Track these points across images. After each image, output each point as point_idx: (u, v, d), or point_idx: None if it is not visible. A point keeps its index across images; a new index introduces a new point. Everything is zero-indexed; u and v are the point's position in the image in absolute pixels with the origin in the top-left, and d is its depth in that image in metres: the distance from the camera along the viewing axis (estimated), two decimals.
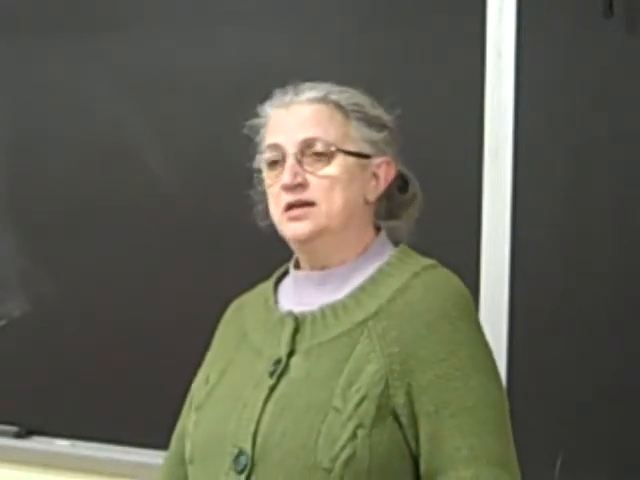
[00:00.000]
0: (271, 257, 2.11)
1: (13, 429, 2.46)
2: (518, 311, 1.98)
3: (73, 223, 2.41)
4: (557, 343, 1.96)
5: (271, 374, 1.36)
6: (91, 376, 2.38)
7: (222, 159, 2.26)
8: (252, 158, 1.51)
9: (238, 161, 2.24)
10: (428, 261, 1.42)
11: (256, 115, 1.50)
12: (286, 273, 1.53)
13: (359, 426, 1.28)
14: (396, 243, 1.48)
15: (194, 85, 2.28)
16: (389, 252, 1.44)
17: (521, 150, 1.98)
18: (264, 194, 1.48)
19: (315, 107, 1.41)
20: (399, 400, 1.29)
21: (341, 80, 1.92)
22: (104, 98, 2.36)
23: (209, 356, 1.56)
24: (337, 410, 1.29)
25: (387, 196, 1.48)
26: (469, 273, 1.98)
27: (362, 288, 1.39)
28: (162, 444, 2.32)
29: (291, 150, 1.39)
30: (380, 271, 1.40)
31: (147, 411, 2.33)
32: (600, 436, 1.93)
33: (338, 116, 1.41)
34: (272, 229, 1.48)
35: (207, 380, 1.47)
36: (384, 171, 1.44)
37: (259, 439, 1.32)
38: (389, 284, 1.38)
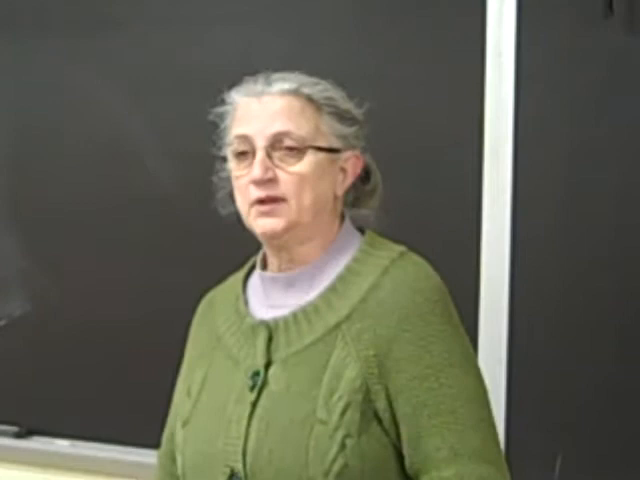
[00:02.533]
0: None
1: (13, 429, 2.46)
2: (518, 311, 1.98)
3: (73, 223, 2.40)
4: (557, 343, 1.96)
5: (251, 388, 1.34)
6: (91, 376, 2.38)
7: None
8: (215, 144, 1.49)
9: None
10: (396, 250, 1.39)
11: (222, 102, 1.46)
12: (254, 267, 1.49)
13: (347, 436, 1.27)
14: (361, 229, 1.45)
15: (194, 85, 2.27)
16: (355, 244, 1.41)
17: (521, 150, 1.98)
18: (227, 181, 1.45)
19: (287, 100, 1.37)
20: (380, 404, 1.28)
21: (341, 80, 1.92)
22: (104, 98, 2.36)
23: (186, 361, 1.53)
24: (322, 422, 1.27)
25: (351, 187, 1.45)
26: (469, 273, 1.99)
27: (332, 288, 1.36)
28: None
29: (261, 143, 1.35)
30: (348, 269, 1.37)
31: (147, 411, 2.32)
32: (600, 436, 1.93)
33: (310, 109, 1.37)
34: (235, 217, 1.46)
35: (189, 392, 1.45)
36: (352, 165, 1.42)
37: (249, 458, 1.30)
38: (359, 283, 1.34)
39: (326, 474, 1.26)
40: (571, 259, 1.96)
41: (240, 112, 1.41)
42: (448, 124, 2.03)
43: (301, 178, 1.35)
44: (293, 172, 1.35)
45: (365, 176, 1.47)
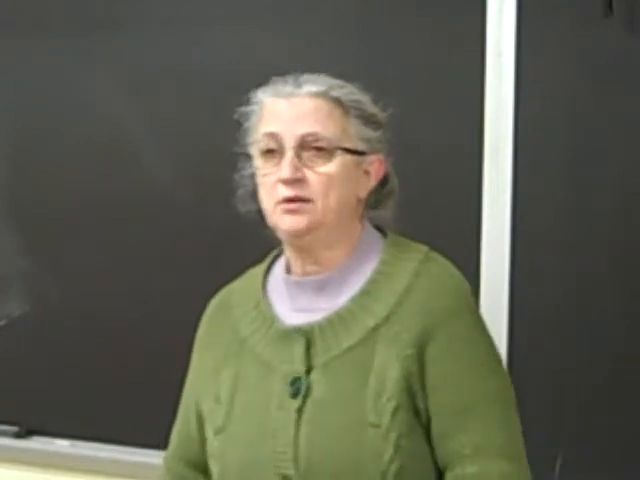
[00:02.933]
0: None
1: (13, 429, 2.46)
2: (518, 311, 1.98)
3: (73, 223, 2.41)
4: (557, 343, 1.96)
5: (294, 395, 1.35)
6: (91, 376, 2.38)
7: (222, 159, 2.26)
8: (239, 143, 1.50)
9: (237, 160, 2.25)
10: (421, 251, 1.42)
11: (248, 101, 1.47)
12: (272, 264, 1.50)
13: (400, 436, 1.30)
14: (380, 229, 1.47)
15: (194, 85, 2.27)
16: (379, 245, 1.43)
17: (521, 150, 1.98)
18: (249, 179, 1.47)
19: (316, 102, 1.38)
20: (420, 401, 1.32)
21: (341, 79, 1.92)
22: (104, 98, 2.36)
23: (203, 366, 1.51)
24: (374, 425, 1.30)
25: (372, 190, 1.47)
26: (469, 273, 1.97)
27: (365, 292, 1.38)
28: (162, 444, 2.32)
29: (291, 143, 1.37)
30: (379, 272, 1.40)
31: (147, 411, 2.32)
32: (600, 436, 1.93)
33: (337, 112, 1.39)
34: (255, 216, 1.48)
35: (218, 399, 1.44)
36: (375, 168, 1.43)
37: (302, 464, 1.32)
38: (391, 286, 1.37)
39: (384, 474, 1.29)
40: (571, 259, 1.96)
41: (268, 111, 1.42)
42: (448, 124, 2.03)
43: (329, 179, 1.37)
44: (321, 173, 1.37)
45: (383, 179, 1.48)
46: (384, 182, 1.48)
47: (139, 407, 2.34)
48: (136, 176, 2.33)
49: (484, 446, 1.29)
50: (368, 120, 1.42)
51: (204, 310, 2.28)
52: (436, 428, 1.32)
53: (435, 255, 1.43)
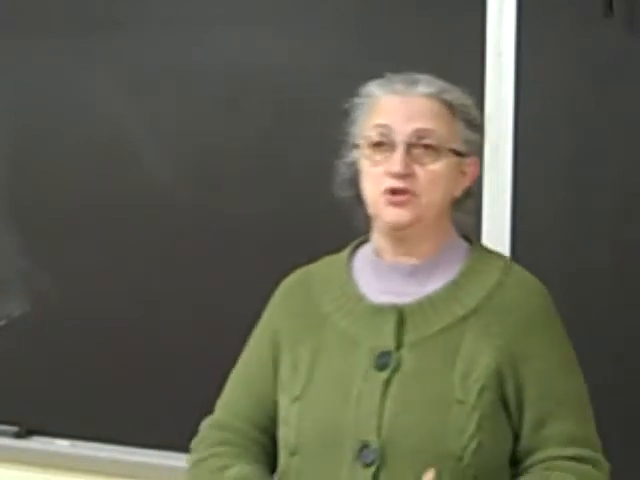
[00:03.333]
0: (271, 256, 2.12)
1: (13, 429, 2.46)
2: None
3: (73, 223, 2.40)
4: None
5: (381, 367, 1.42)
6: (91, 376, 2.38)
7: (222, 159, 2.26)
8: (345, 131, 1.55)
9: (238, 160, 2.26)
10: (505, 257, 1.55)
11: (358, 93, 1.53)
12: (354, 252, 1.57)
13: (483, 416, 1.38)
14: (463, 236, 1.55)
15: (194, 85, 2.27)
16: (464, 245, 1.53)
17: (521, 150, 1.98)
18: (349, 166, 1.52)
19: (429, 101, 1.46)
20: (510, 390, 1.40)
21: (341, 80, 1.92)
22: (104, 98, 2.36)
23: (277, 337, 1.54)
24: (460, 402, 1.38)
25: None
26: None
27: (456, 282, 1.47)
28: (162, 444, 2.33)
29: (402, 137, 1.43)
30: (469, 267, 1.49)
31: (147, 411, 2.33)
32: (600, 436, 1.93)
33: (447, 114, 1.47)
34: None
35: (296, 369, 1.49)
36: (472, 170, 1.52)
37: (384, 432, 1.38)
38: (482, 281, 1.46)
39: (464, 449, 1.36)
40: (571, 259, 1.96)
41: (381, 105, 1.48)
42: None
43: (436, 176, 1.44)
44: (430, 170, 1.44)
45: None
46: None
47: (139, 407, 2.34)
48: (136, 176, 2.33)
49: (578, 436, 1.40)
50: (471, 123, 1.50)
51: (205, 309, 2.29)
52: (532, 415, 1.40)
53: (515, 263, 1.53)
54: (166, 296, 2.31)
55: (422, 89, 1.46)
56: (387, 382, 1.41)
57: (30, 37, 2.43)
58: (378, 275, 1.51)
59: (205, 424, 1.59)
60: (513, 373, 1.40)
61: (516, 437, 1.42)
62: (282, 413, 1.49)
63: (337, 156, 1.58)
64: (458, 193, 1.50)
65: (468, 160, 1.50)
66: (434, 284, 1.47)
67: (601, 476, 1.41)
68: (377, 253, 1.52)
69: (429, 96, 1.46)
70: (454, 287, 1.46)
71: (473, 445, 1.36)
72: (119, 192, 2.35)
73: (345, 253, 1.58)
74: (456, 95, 1.48)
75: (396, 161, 1.42)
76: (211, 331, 2.25)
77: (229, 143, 2.25)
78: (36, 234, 2.45)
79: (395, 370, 1.41)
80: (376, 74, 2.07)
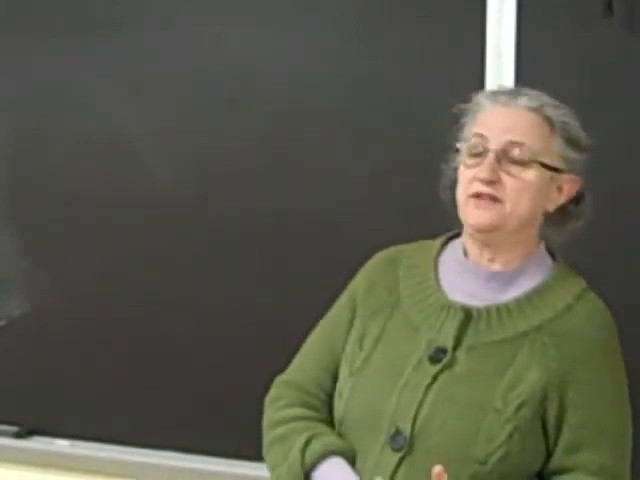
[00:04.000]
0: (271, 256, 2.12)
1: (13, 429, 2.46)
2: None
3: (73, 223, 2.40)
4: None
5: (434, 361, 1.47)
6: (91, 376, 2.38)
7: (222, 159, 2.26)
8: (454, 136, 1.62)
9: (237, 160, 2.25)
10: (583, 283, 1.56)
11: (469, 100, 1.61)
12: (445, 245, 1.62)
13: (516, 429, 1.42)
14: (551, 254, 1.59)
15: (194, 85, 2.27)
16: (549, 264, 1.56)
17: None
18: (453, 170, 1.59)
19: (529, 115, 1.52)
20: (551, 409, 1.44)
21: (341, 80, 1.93)
22: (104, 98, 2.36)
23: (356, 307, 1.60)
24: (497, 411, 1.42)
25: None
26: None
27: (528, 298, 1.51)
28: (162, 444, 2.33)
29: (494, 146, 1.50)
30: (545, 284, 1.53)
31: (147, 411, 2.33)
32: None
33: (546, 129, 1.52)
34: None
35: (361, 343, 1.54)
36: (568, 186, 1.55)
37: (418, 423, 1.44)
38: (553, 302, 1.50)
39: (489, 456, 1.41)
40: (571, 259, 1.96)
41: (483, 114, 1.56)
42: (448, 124, 2.03)
43: (523, 186, 1.49)
44: (517, 178, 1.49)
45: (575, 199, 1.59)
46: (575, 202, 1.59)
47: (139, 407, 2.34)
48: (136, 176, 2.33)
49: (608, 467, 1.42)
50: (571, 141, 1.54)
51: (204, 309, 2.29)
52: (568, 438, 1.44)
53: (592, 292, 1.56)
54: (166, 296, 2.31)
55: (524, 102, 1.52)
56: (435, 377, 1.46)
57: (30, 37, 2.42)
58: (459, 273, 1.56)
59: (280, 381, 1.64)
60: (559, 397, 1.44)
61: (549, 455, 1.46)
62: (339, 384, 1.55)
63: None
64: (551, 207, 1.54)
65: (565, 177, 1.53)
66: (509, 294, 1.51)
67: None
68: (465, 252, 1.57)
69: (530, 109, 1.52)
70: (525, 302, 1.50)
71: (500, 453, 1.41)
72: (119, 192, 2.35)
73: (438, 242, 1.63)
74: (558, 112, 1.53)
75: (485, 167, 1.48)
76: (211, 331, 2.25)
77: (229, 143, 2.25)
78: (36, 234, 2.45)
79: (446, 367, 1.46)
80: (376, 74, 2.08)
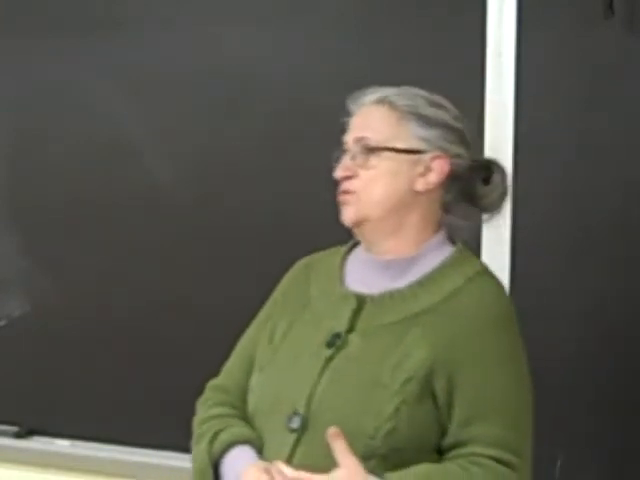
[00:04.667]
0: (272, 256, 2.12)
1: (13, 429, 2.46)
2: (518, 311, 1.98)
3: (73, 223, 2.41)
4: (557, 343, 1.96)
5: (329, 345, 1.53)
6: (91, 376, 2.38)
7: (222, 159, 2.26)
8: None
9: (237, 160, 2.26)
10: (480, 266, 1.59)
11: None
12: (355, 245, 1.66)
13: (403, 402, 1.45)
14: (453, 241, 1.61)
15: (194, 85, 2.28)
16: (447, 250, 1.58)
17: (521, 150, 1.98)
18: None
19: (374, 108, 1.58)
20: (440, 385, 1.46)
21: (341, 79, 1.93)
22: (104, 98, 2.36)
23: (273, 311, 1.68)
24: (385, 386, 1.46)
25: (464, 189, 1.60)
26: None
27: (420, 283, 1.54)
28: (162, 444, 2.33)
29: (348, 146, 1.58)
30: (437, 270, 1.55)
31: (147, 411, 2.33)
32: (600, 436, 1.93)
33: (393, 117, 1.56)
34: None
35: (271, 340, 1.61)
36: (439, 165, 1.56)
37: (313, 404, 1.49)
38: (444, 284, 1.53)
39: (377, 429, 1.44)
40: (571, 259, 1.96)
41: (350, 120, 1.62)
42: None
43: (375, 174, 1.55)
44: (368, 168, 1.55)
45: (453, 177, 1.59)
46: (484, 182, 1.62)
47: (139, 407, 2.34)
48: (136, 176, 2.33)
49: (502, 438, 1.44)
50: (423, 121, 1.56)
51: (204, 309, 2.29)
52: (461, 413, 1.46)
53: (491, 273, 1.58)
54: (166, 296, 2.31)
55: (368, 98, 1.58)
56: (329, 359, 1.51)
57: (30, 37, 2.43)
58: (360, 267, 1.61)
59: (210, 384, 1.71)
60: (448, 373, 1.46)
61: (444, 431, 1.48)
62: (251, 381, 1.61)
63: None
64: (421, 187, 1.55)
65: (428, 156, 1.55)
66: (405, 281, 1.55)
67: (510, 474, 1.44)
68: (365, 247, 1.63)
69: (374, 103, 1.57)
70: (417, 286, 1.54)
71: (388, 427, 1.44)
72: (119, 192, 2.35)
73: (348, 245, 1.67)
74: (401, 97, 1.57)
75: (337, 167, 1.58)
76: (211, 331, 2.25)
77: (229, 143, 2.25)
78: (36, 234, 2.45)
79: (339, 349, 1.52)
80: (376, 74, 2.08)
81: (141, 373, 2.34)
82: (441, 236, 1.59)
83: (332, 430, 1.40)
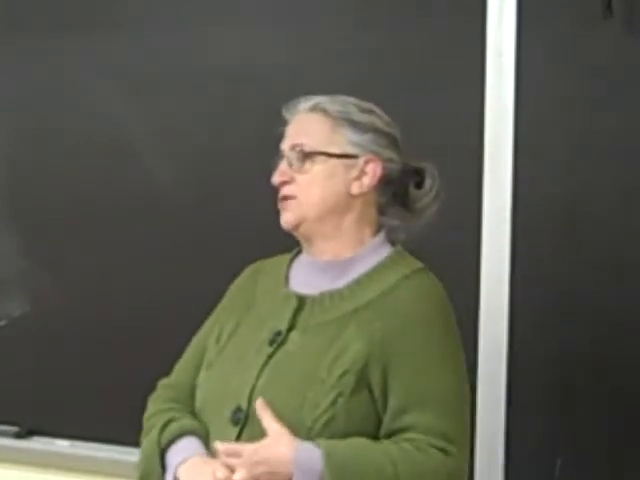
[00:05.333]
0: (270, 256, 2.12)
1: (13, 429, 2.46)
2: (518, 312, 1.98)
3: (73, 223, 2.41)
4: (557, 344, 1.96)
5: (271, 343, 1.59)
6: (91, 376, 2.38)
7: (221, 159, 2.26)
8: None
9: (237, 160, 2.26)
10: (417, 265, 1.63)
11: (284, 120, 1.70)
12: (300, 252, 1.72)
13: (339, 395, 1.51)
14: (393, 243, 1.67)
15: (194, 85, 2.28)
16: (385, 251, 1.64)
17: (521, 150, 1.98)
18: None
19: (308, 116, 1.64)
20: (375, 377, 1.52)
21: (341, 80, 1.93)
22: (104, 98, 2.36)
23: (221, 313, 1.74)
24: (322, 381, 1.52)
25: (398, 193, 1.66)
26: (469, 274, 1.99)
27: (358, 281, 1.60)
28: None
29: (284, 153, 1.64)
30: (375, 269, 1.61)
31: None
32: (600, 437, 1.93)
33: (327, 123, 1.62)
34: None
35: (218, 340, 1.68)
36: (372, 168, 1.62)
37: (254, 399, 1.54)
38: (381, 282, 1.59)
39: (315, 421, 1.50)
40: (571, 259, 1.96)
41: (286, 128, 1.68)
42: (448, 124, 2.03)
43: (310, 178, 1.61)
44: (304, 174, 1.61)
45: (420, 182, 1.68)
46: (416, 186, 1.68)
47: (139, 407, 2.33)
48: (136, 176, 2.34)
49: (435, 427, 1.49)
50: (354, 126, 1.62)
51: (204, 309, 2.29)
52: (394, 404, 1.51)
53: (427, 271, 1.63)
54: (166, 296, 2.31)
55: (302, 106, 1.65)
56: (270, 356, 1.57)
57: (30, 37, 2.43)
58: (303, 269, 1.67)
59: (161, 383, 1.77)
60: (382, 365, 1.51)
61: (381, 422, 1.53)
62: (198, 379, 1.68)
63: None
64: (357, 190, 1.61)
65: (362, 160, 1.61)
66: (344, 281, 1.61)
67: (449, 462, 1.48)
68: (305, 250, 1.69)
69: (308, 110, 1.64)
70: (355, 285, 1.60)
71: (325, 418, 1.49)
72: (119, 192, 2.35)
73: (295, 251, 1.72)
74: (333, 104, 1.63)
75: (275, 174, 1.64)
76: None
77: (229, 143, 2.25)
78: (36, 234, 2.45)
79: (280, 346, 1.58)
80: (376, 74, 2.08)
81: (141, 373, 2.34)
82: (380, 238, 1.65)
83: (259, 402, 1.50)
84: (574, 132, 1.96)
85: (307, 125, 1.63)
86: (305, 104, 1.65)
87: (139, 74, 2.33)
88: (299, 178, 1.61)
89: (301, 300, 1.61)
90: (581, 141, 1.95)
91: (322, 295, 1.60)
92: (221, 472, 1.49)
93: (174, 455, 1.59)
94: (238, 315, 1.68)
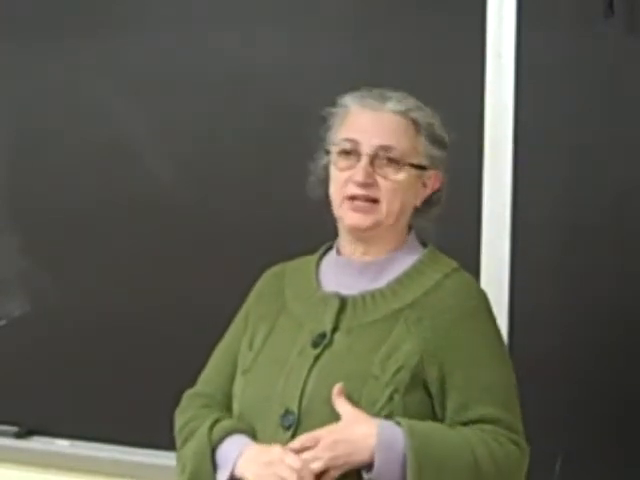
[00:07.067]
0: (271, 256, 2.12)
1: (13, 429, 2.46)
2: (518, 311, 1.98)
3: (73, 223, 2.41)
4: (557, 343, 1.96)
5: (315, 345, 1.57)
6: (91, 376, 2.38)
7: (221, 159, 2.26)
8: (321, 136, 1.66)
9: (237, 161, 2.26)
10: (454, 264, 1.64)
11: (334, 103, 1.65)
12: (326, 252, 1.71)
13: (395, 391, 1.50)
14: (421, 241, 1.67)
15: (194, 85, 2.28)
16: (419, 250, 1.65)
17: (521, 150, 1.98)
18: (321, 169, 1.66)
19: (396, 118, 1.60)
20: (431, 375, 1.52)
21: (341, 80, 1.93)
22: (104, 98, 2.36)
23: (248, 319, 1.71)
24: (376, 377, 1.51)
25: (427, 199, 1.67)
26: (469, 271, 1.99)
27: (399, 281, 1.60)
28: (162, 444, 2.33)
29: (367, 151, 1.57)
30: (414, 268, 1.61)
31: (147, 411, 2.33)
32: (600, 436, 1.93)
33: (412, 130, 1.60)
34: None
35: (251, 346, 1.65)
36: (432, 181, 1.64)
37: (305, 401, 1.53)
38: (423, 281, 1.60)
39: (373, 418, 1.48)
40: (571, 259, 1.96)
41: (352, 118, 1.62)
42: (448, 124, 2.03)
43: (396, 187, 1.58)
44: (391, 180, 1.58)
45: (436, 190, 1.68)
46: (436, 191, 1.68)
47: (139, 407, 2.34)
48: (136, 176, 2.34)
49: (499, 418, 1.50)
50: (435, 140, 1.62)
51: (204, 309, 2.30)
52: (456, 399, 1.51)
53: (463, 270, 1.64)
54: (166, 296, 2.31)
55: (391, 106, 1.60)
56: (316, 358, 1.55)
57: (30, 37, 2.43)
58: (336, 270, 1.66)
59: (187, 394, 1.73)
60: (437, 363, 1.52)
61: (435, 418, 1.53)
62: (234, 386, 1.65)
63: (311, 158, 1.64)
64: (419, 202, 1.63)
65: (429, 173, 1.63)
66: (383, 281, 1.61)
67: (516, 451, 1.51)
68: (338, 251, 1.67)
69: (397, 113, 1.60)
70: (396, 285, 1.60)
71: (383, 415, 1.48)
72: (119, 192, 2.35)
73: (318, 253, 1.72)
74: (423, 114, 1.62)
75: (359, 171, 1.57)
76: (211, 330, 2.25)
77: (229, 143, 2.25)
78: (36, 234, 2.45)
79: (326, 348, 1.56)
80: (376, 74, 2.08)
81: (141, 373, 2.34)
82: (412, 238, 1.66)
83: (336, 388, 1.48)
84: (574, 132, 1.96)
85: (395, 128, 1.59)
86: (394, 105, 1.60)
87: (139, 74, 2.33)
88: (382, 183, 1.58)
89: (342, 301, 1.60)
90: (581, 141, 1.95)
91: (363, 295, 1.59)
92: (295, 461, 1.46)
93: (227, 451, 1.55)
94: (270, 320, 1.66)
